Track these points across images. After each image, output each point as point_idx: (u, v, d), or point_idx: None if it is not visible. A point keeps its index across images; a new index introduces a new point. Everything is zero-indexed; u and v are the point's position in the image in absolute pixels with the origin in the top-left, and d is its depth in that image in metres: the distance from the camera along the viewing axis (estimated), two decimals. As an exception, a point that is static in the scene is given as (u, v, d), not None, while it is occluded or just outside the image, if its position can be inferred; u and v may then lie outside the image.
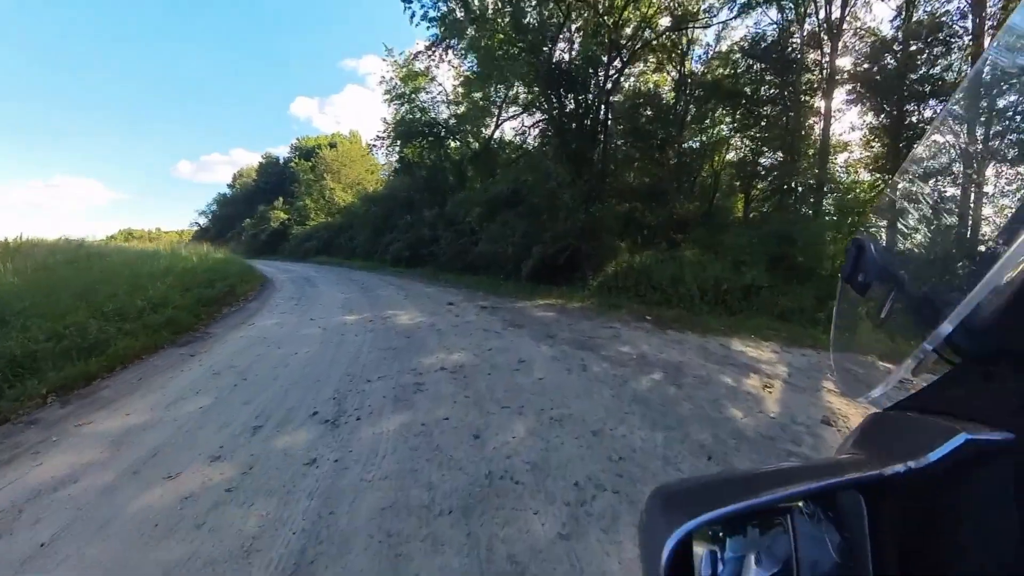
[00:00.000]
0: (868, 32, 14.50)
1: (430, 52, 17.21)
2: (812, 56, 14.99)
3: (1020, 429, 0.46)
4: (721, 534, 0.55)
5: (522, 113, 19.26)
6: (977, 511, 0.46)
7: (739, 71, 16.23)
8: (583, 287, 12.41)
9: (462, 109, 21.23)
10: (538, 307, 10.20)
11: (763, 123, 16.09)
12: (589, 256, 13.25)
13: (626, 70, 16.72)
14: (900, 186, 0.94)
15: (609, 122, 14.44)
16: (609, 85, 13.83)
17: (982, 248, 0.66)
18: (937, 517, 0.48)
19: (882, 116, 14.29)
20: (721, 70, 17.10)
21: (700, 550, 0.53)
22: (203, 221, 64.90)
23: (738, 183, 18.90)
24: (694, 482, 0.58)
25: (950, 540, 0.47)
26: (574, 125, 14.29)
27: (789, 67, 14.90)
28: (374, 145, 24.40)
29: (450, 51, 17.48)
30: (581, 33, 14.71)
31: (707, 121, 17.11)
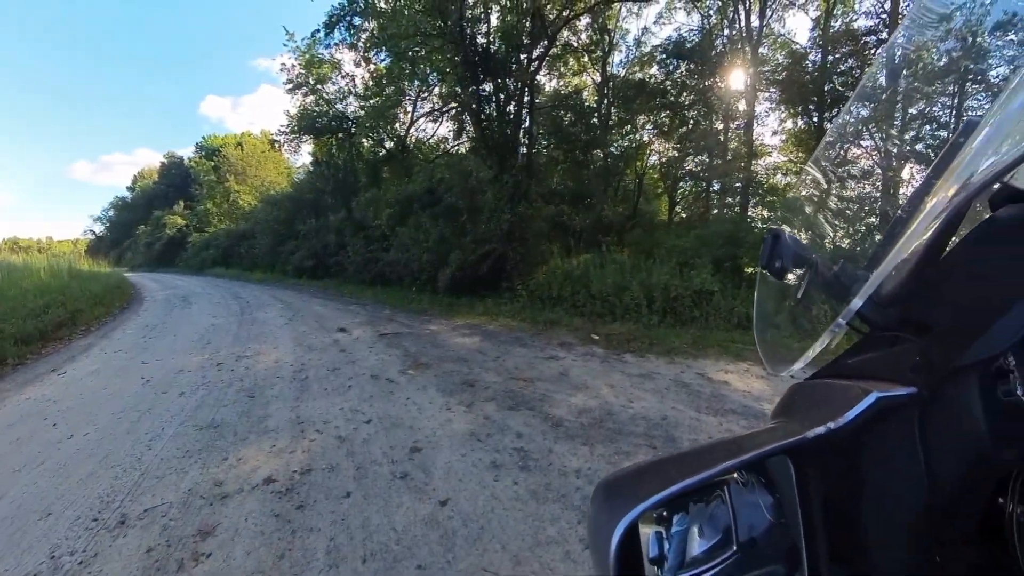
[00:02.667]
0: (784, 43, 14.55)
1: (332, 28, 14.05)
2: (735, 61, 14.40)
3: (921, 384, 0.49)
4: (665, 513, 0.55)
5: (440, 111, 16.60)
6: (888, 458, 0.50)
7: (665, 71, 15.76)
8: (511, 299, 9.92)
9: (375, 102, 18.13)
10: (456, 330, 7.54)
11: (688, 126, 15.45)
12: (517, 263, 10.79)
13: (547, 66, 14.82)
14: (809, 177, 0.90)
15: (534, 112, 12.03)
16: (532, 68, 11.39)
17: (884, 230, 0.65)
18: (856, 469, 0.51)
19: (801, 121, 14.30)
20: (645, 70, 16.36)
21: (646, 531, 0.53)
22: (99, 228, 56.64)
23: (662, 188, 18.22)
24: (635, 469, 0.55)
25: (867, 488, 0.51)
26: (495, 114, 11.79)
27: (712, 70, 14.28)
28: (275, 140, 20.69)
29: (356, 33, 14.48)
30: (500, 9, 12.19)
31: (629, 127, 16.26)
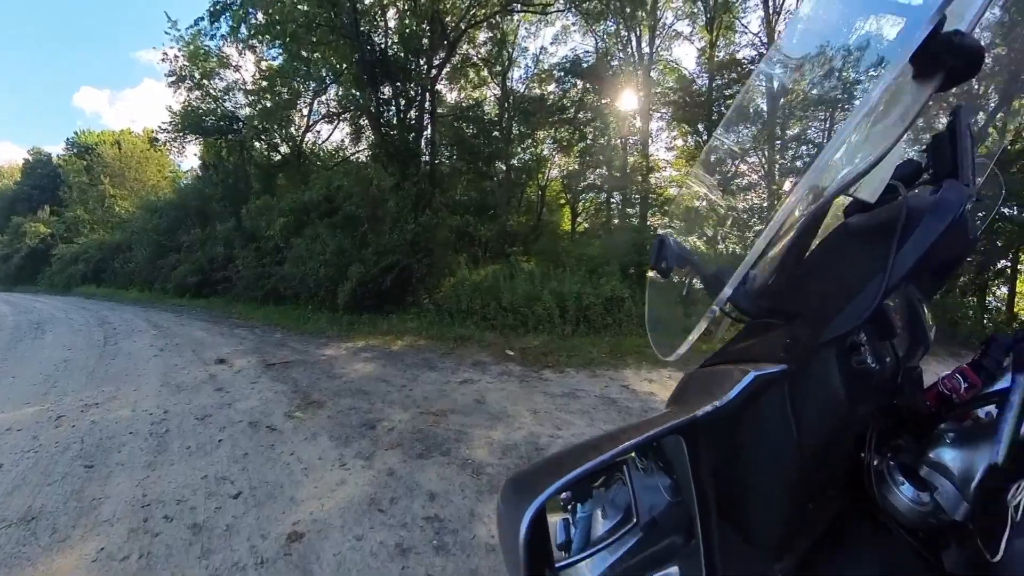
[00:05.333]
0: (672, 69, 15.40)
1: (217, 18, 12.16)
2: (629, 83, 14.84)
3: (790, 361, 0.54)
4: (571, 503, 0.58)
5: (338, 115, 15.17)
6: (765, 426, 0.54)
7: (563, 89, 15.73)
8: (418, 314, 8.98)
9: (267, 103, 16.20)
10: (357, 354, 6.49)
11: (587, 141, 15.80)
12: (423, 275, 9.87)
13: (448, 78, 14.16)
14: (691, 188, 0.95)
15: (436, 120, 11.20)
16: (433, 73, 10.56)
17: (751, 231, 0.71)
18: (739, 439, 0.55)
19: (692, 139, 14.80)
20: (544, 87, 16.35)
21: (554, 519, 0.55)
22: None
23: (564, 199, 18.54)
24: (539, 463, 0.57)
25: (748, 453, 0.54)
26: (396, 119, 10.81)
27: (608, 90, 14.65)
28: (156, 139, 17.85)
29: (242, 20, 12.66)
30: (397, 12, 11.20)
31: (530, 141, 16.38)
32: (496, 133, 15.49)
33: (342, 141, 17.15)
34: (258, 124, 15.99)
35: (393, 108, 10.86)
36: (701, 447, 0.52)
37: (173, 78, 16.19)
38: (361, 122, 12.32)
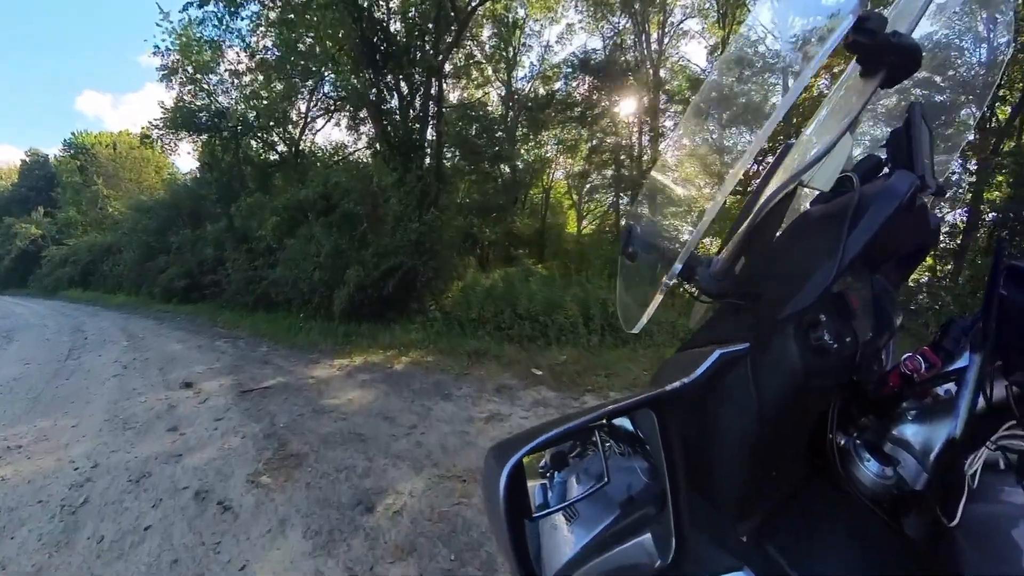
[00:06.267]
0: (681, 68, 14.79)
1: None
2: (638, 80, 14.09)
3: (752, 339, 0.56)
4: (550, 471, 0.61)
5: (335, 106, 13.99)
6: (730, 399, 0.56)
7: (571, 86, 15.20)
8: (424, 323, 7.76)
9: (264, 99, 15.05)
10: (353, 375, 5.24)
11: (595, 139, 15.12)
12: (429, 279, 8.65)
13: (451, 76, 13.08)
14: (654, 181, 0.98)
15: (442, 109, 9.98)
16: (440, 57, 9.31)
17: (702, 216, 0.67)
18: (706, 413, 0.57)
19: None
20: (550, 84, 15.90)
21: (532, 484, 0.58)
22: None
23: (569, 201, 17.78)
24: (520, 432, 0.57)
25: (715, 425, 0.57)
26: (398, 110, 9.59)
27: (617, 87, 13.96)
28: (147, 135, 16.69)
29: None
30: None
31: (532, 140, 15.96)
32: (500, 133, 14.75)
33: (341, 142, 16.15)
34: (253, 121, 14.86)
35: (396, 97, 9.60)
36: (670, 420, 0.55)
37: (165, 72, 15.10)
38: (361, 115, 11.05)
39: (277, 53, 13.30)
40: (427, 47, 9.33)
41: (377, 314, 8.17)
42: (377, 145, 11.22)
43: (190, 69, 15.33)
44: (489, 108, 15.77)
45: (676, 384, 0.56)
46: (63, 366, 6.46)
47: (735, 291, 0.62)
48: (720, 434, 0.56)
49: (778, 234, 0.65)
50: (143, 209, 18.97)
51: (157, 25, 14.40)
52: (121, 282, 18.52)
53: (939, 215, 0.74)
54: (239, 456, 3.11)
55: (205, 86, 15.66)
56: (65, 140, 38.26)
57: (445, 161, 13.28)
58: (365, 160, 14.02)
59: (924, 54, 0.55)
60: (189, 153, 16.10)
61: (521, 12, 15.36)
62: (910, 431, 0.55)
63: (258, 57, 14.19)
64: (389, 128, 9.67)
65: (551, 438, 0.51)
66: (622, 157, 14.90)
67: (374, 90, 9.20)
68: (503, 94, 16.30)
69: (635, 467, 0.64)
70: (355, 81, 9.74)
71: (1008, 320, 0.48)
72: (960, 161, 8.16)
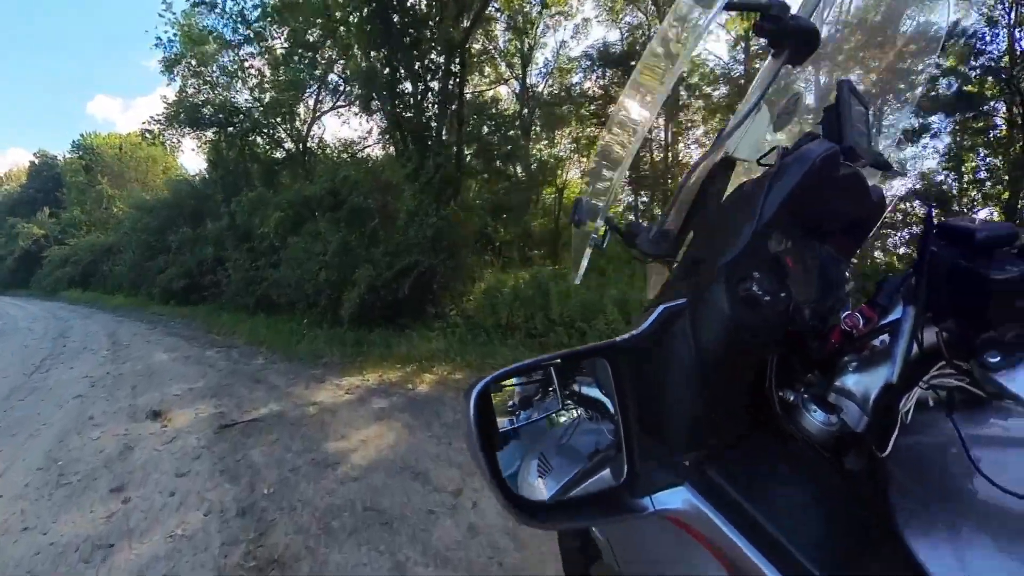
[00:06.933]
0: (700, 62, 13.54)
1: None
2: None
3: (691, 293, 0.59)
4: (517, 411, 0.73)
5: (344, 85, 12.95)
6: (672, 348, 0.58)
7: (589, 79, 14.66)
8: (444, 329, 6.65)
9: (271, 93, 14.15)
10: (365, 401, 4.10)
11: None
12: (448, 280, 7.56)
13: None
14: (598, 155, 1.03)
15: (463, 93, 8.86)
16: (465, 26, 8.18)
17: (614, 181, 0.81)
18: (653, 362, 0.59)
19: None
20: (567, 79, 15.25)
21: (503, 420, 0.68)
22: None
23: None
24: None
25: (660, 372, 0.59)
26: (413, 90, 8.48)
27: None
28: (148, 131, 15.78)
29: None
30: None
31: (547, 139, 15.29)
32: (512, 132, 13.77)
33: (350, 139, 15.20)
34: (258, 116, 13.95)
35: (411, 80, 8.48)
36: (623, 368, 0.59)
37: (166, 64, 14.15)
38: (372, 104, 9.93)
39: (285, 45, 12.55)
40: (447, 22, 8.22)
41: (390, 319, 7.08)
42: (389, 135, 10.18)
43: (193, 62, 14.43)
44: (502, 105, 14.98)
45: (627, 336, 0.59)
46: (27, 381, 5.43)
47: (673, 252, 0.70)
48: (665, 381, 0.59)
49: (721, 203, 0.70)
50: (145, 208, 17.99)
51: (160, 16, 13.48)
52: (121, 283, 17.55)
53: (883, 188, 0.77)
54: (194, 554, 1.99)
55: (209, 79, 14.76)
56: (74, 142, 37.47)
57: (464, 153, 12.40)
58: (375, 157, 13.17)
59: (869, 35, 0.74)
60: (193, 150, 15.20)
61: (535, 9, 14.52)
62: (851, 381, 0.58)
63: (264, 45, 13.31)
64: (403, 112, 8.57)
65: (512, 370, 0.63)
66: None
67: (387, 71, 8.09)
68: (517, 91, 15.47)
69: (603, 430, 0.74)
70: (360, 59, 8.63)
71: (936, 274, 0.52)
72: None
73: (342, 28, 9.46)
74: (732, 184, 0.71)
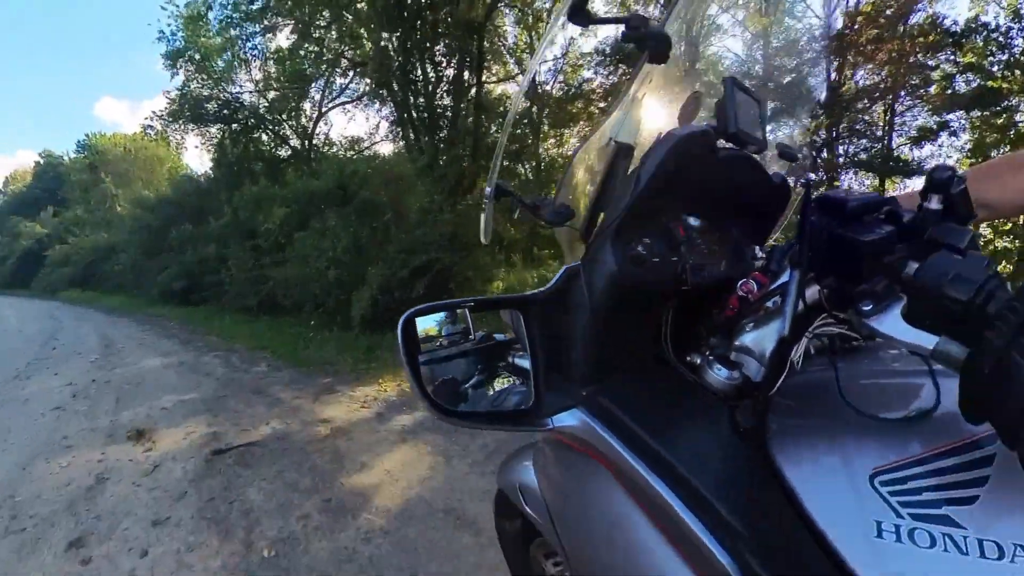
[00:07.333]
0: (718, 58, 13.27)
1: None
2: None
3: (586, 257, 0.64)
4: (443, 353, 0.76)
5: (353, 68, 12.37)
6: (572, 301, 0.64)
7: (603, 75, 13.22)
8: (463, 333, 6.02)
9: (278, 87, 13.63)
10: (384, 419, 3.48)
11: None
12: (466, 279, 6.96)
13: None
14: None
15: (482, 80, 8.26)
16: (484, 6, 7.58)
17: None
18: (558, 313, 0.65)
19: None
20: (578, 75, 14.01)
21: (422, 359, 0.69)
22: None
23: None
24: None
25: (563, 321, 0.65)
26: (426, 76, 7.89)
27: None
28: (150, 126, 15.29)
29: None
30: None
31: (555, 138, 14.28)
32: (519, 131, 13.32)
33: (358, 136, 14.73)
34: (264, 112, 13.46)
35: (423, 68, 7.89)
36: (532, 319, 0.66)
37: (169, 57, 13.60)
38: (382, 93, 9.37)
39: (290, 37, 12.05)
40: (464, 3, 7.63)
41: (405, 322, 6.47)
42: (400, 128, 9.60)
43: (197, 56, 13.89)
44: (510, 103, 14.71)
45: (537, 292, 0.66)
46: (0, 389, 4.83)
47: (569, 220, 0.73)
48: (567, 327, 0.64)
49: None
50: (146, 206, 17.43)
51: (162, 8, 12.98)
52: (121, 283, 16.98)
53: (785, 175, 0.81)
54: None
55: (214, 74, 14.22)
56: (79, 141, 37.04)
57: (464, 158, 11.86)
58: (383, 155, 12.63)
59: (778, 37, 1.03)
60: (197, 147, 14.70)
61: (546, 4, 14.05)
62: (749, 339, 0.64)
63: (270, 35, 12.81)
64: (416, 100, 7.98)
65: (434, 306, 0.71)
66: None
67: (400, 56, 7.51)
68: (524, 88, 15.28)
69: (494, 336, 0.80)
70: (371, 44, 8.03)
71: (816, 240, 0.55)
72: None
73: (352, 10, 8.95)
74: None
